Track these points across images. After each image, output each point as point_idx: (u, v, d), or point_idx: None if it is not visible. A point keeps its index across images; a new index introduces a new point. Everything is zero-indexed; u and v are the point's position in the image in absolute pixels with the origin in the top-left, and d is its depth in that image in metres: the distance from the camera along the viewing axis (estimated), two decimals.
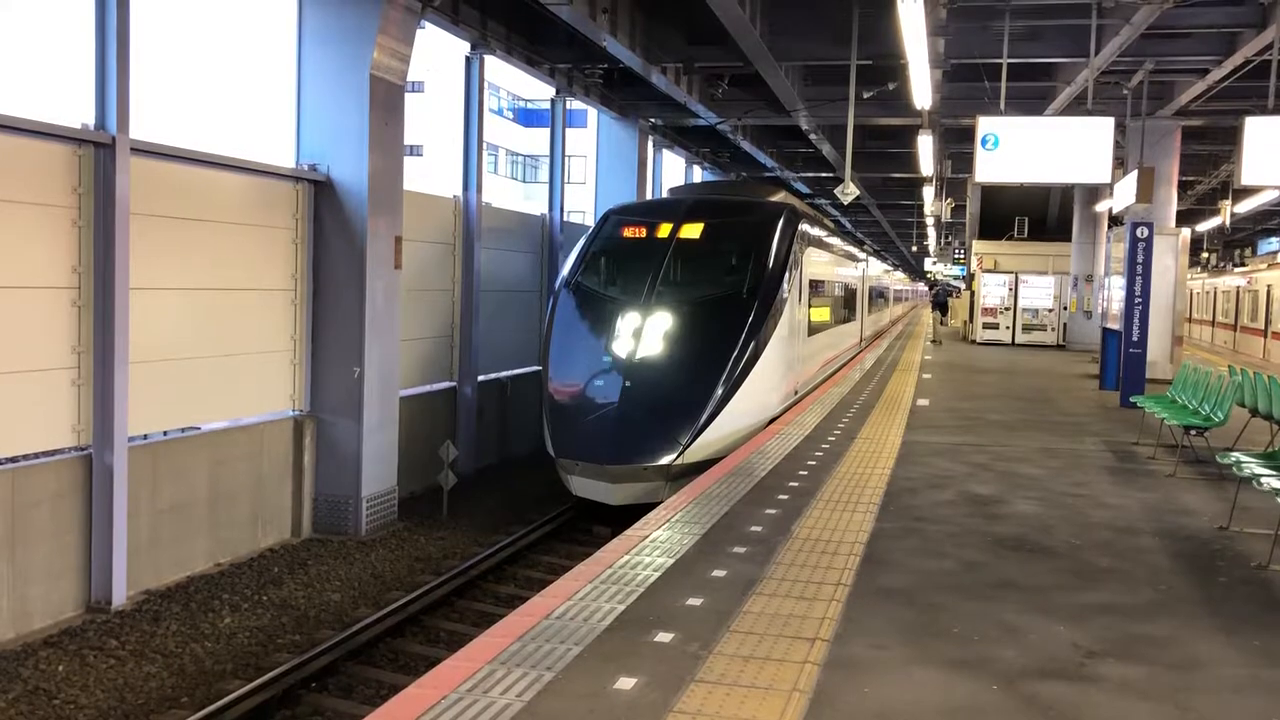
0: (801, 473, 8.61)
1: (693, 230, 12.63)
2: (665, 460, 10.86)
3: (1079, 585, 5.78)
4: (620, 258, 12.82)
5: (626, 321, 11.69)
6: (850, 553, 6.19)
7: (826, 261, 17.33)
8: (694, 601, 5.16)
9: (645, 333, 11.51)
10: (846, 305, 21.36)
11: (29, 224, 8.26)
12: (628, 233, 12.98)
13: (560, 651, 4.43)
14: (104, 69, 8.73)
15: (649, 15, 15.87)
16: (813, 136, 22.78)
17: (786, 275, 12.68)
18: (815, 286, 15.51)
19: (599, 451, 10.94)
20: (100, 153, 8.72)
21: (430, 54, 37.68)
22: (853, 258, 23.25)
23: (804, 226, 14.33)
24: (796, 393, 13.93)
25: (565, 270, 13.11)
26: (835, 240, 19.90)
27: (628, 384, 11.19)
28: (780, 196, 14.56)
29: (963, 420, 12.51)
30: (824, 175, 30.52)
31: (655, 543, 6.23)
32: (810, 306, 14.89)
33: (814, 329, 15.51)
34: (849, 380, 16.78)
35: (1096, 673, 4.49)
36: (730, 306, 11.95)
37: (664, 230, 12.69)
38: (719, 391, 11.23)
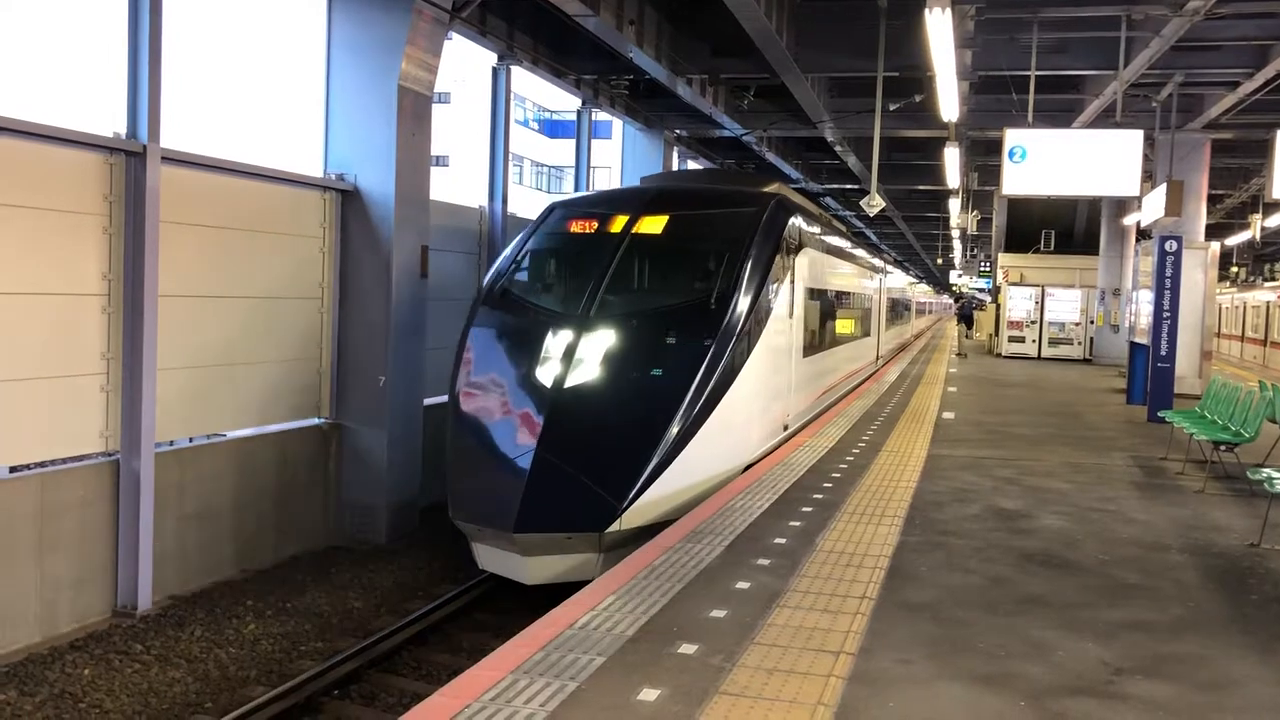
0: (826, 485, 8.57)
1: (653, 224, 10.11)
2: (600, 526, 8.21)
3: (1107, 601, 5.72)
4: (558, 259, 10.49)
5: (555, 341, 9.16)
6: (875, 566, 6.15)
7: (830, 266, 14.76)
8: (718, 613, 5.14)
9: (578, 355, 8.99)
10: (858, 319, 18.77)
11: (61, 231, 8.35)
12: (574, 228, 10.43)
13: (584, 661, 4.42)
14: (136, 78, 8.82)
15: (675, 26, 15.90)
16: (838, 148, 22.75)
17: (772, 281, 10.20)
18: (815, 296, 13.15)
19: (505, 514, 8.18)
20: (131, 161, 8.81)
21: (458, 65, 37.89)
22: (866, 264, 20.57)
23: (798, 223, 11.73)
24: (788, 427, 11.44)
25: (489, 277, 10.60)
26: (842, 243, 16.91)
27: (549, 424, 8.56)
28: (773, 188, 11.96)
29: (988, 434, 12.43)
30: (849, 187, 30.47)
31: (678, 554, 6.21)
32: (807, 320, 12.40)
33: (813, 347, 12.99)
34: (873, 393, 16.70)
35: (1125, 690, 4.43)
36: (693, 320, 9.36)
37: (617, 225, 10.15)
38: (673, 431, 8.64)
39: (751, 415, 9.86)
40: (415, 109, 11.71)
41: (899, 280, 32.17)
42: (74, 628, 8.49)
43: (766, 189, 11.78)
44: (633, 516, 8.29)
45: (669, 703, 4.05)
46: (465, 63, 36.90)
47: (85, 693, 7.39)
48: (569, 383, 8.86)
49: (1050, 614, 5.44)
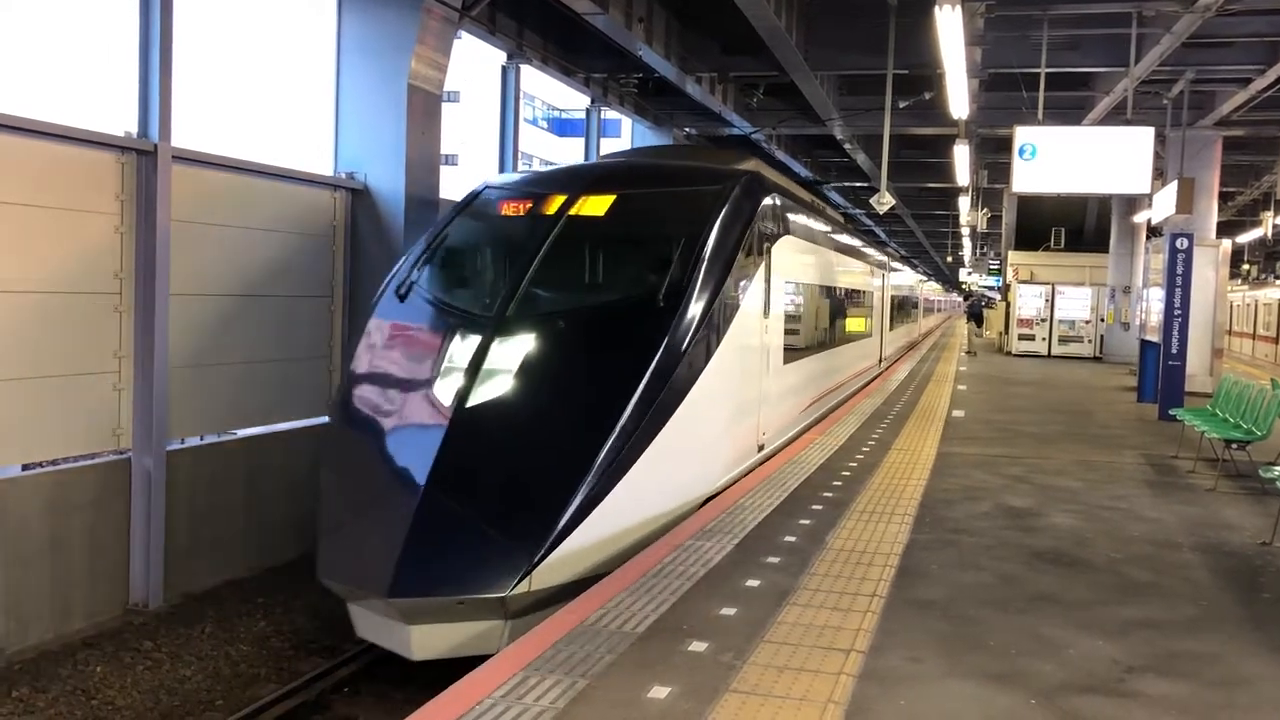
0: (835, 483, 8.56)
1: (595, 206, 8.46)
2: (499, 589, 6.26)
3: (1118, 600, 5.70)
4: (478, 248, 8.92)
5: (460, 348, 7.46)
6: (885, 564, 6.15)
7: (819, 258, 12.98)
8: (728, 611, 5.14)
9: (487, 366, 7.27)
10: (856, 318, 16.97)
11: (74, 230, 8.39)
12: (504, 210, 8.84)
13: (594, 659, 4.43)
14: (147, 78, 8.86)
15: (684, 24, 15.90)
16: (848, 146, 22.74)
17: (741, 274, 8.60)
18: (799, 292, 11.43)
19: (379, 572, 6.36)
20: (143, 160, 8.85)
21: (467, 64, 37.93)
22: (865, 258, 18.79)
23: (775, 205, 9.98)
24: (763, 447, 9.66)
25: (394, 271, 8.93)
26: (835, 232, 15.03)
27: (443, 455, 6.76)
28: (749, 164, 10.29)
29: (999, 432, 12.40)
30: (859, 185, 30.44)
31: (687, 551, 6.21)
32: (788, 320, 10.70)
33: (796, 351, 11.27)
34: (883, 391, 16.67)
35: (1137, 688, 4.42)
36: (637, 320, 7.69)
37: (552, 207, 8.52)
38: (605, 460, 6.80)
39: (711, 436, 8.16)
40: (425, 108, 11.73)
41: (906, 277, 31.07)
42: (86, 625, 8.52)
43: (739, 165, 10.01)
44: (548, 573, 6.38)
45: (679, 700, 4.05)
46: (475, 61, 36.96)
47: (98, 689, 7.43)
48: (471, 402, 7.07)
49: (1061, 612, 5.43)
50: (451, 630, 6.50)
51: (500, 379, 7.24)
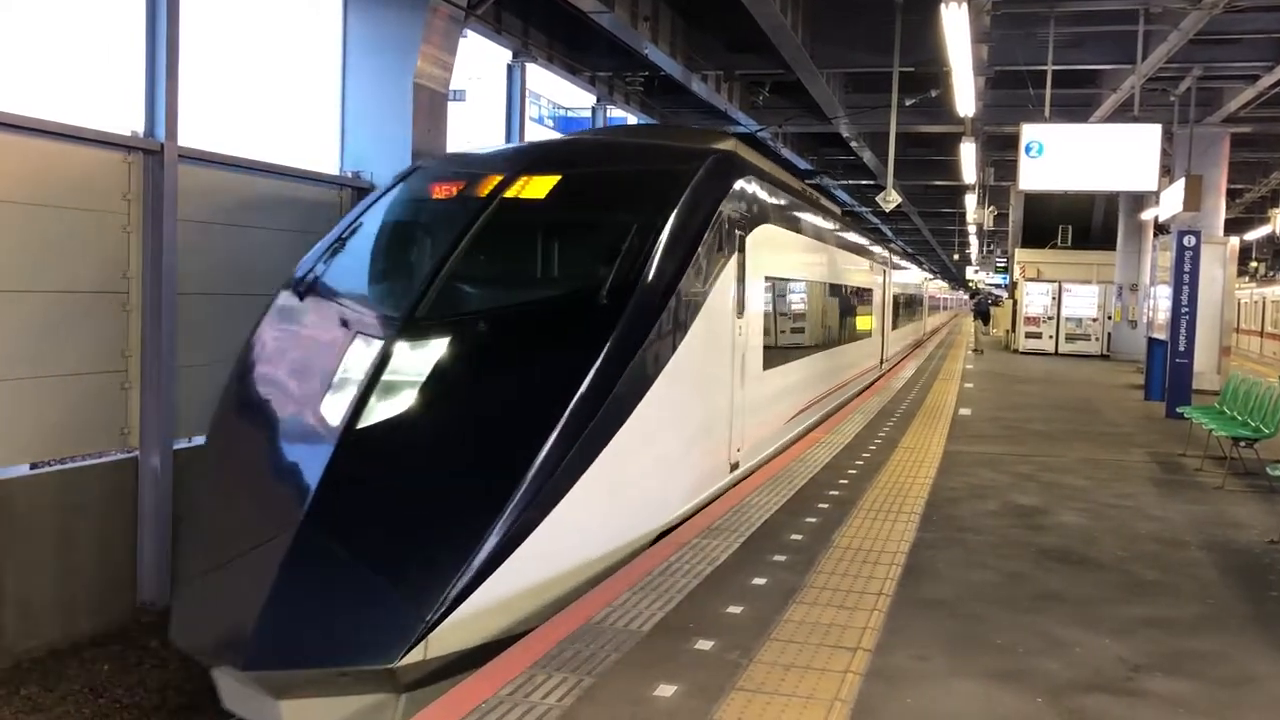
0: (842, 481, 8.56)
1: (535, 188, 7.27)
2: (384, 657, 4.96)
3: (1125, 598, 5.69)
4: (396, 237, 7.78)
5: (357, 358, 6.20)
6: (892, 562, 6.14)
7: (807, 250, 11.77)
8: (734, 609, 5.14)
9: (388, 378, 6.01)
10: (854, 316, 15.75)
11: (82, 230, 8.40)
12: (435, 193, 7.64)
13: (600, 657, 4.43)
14: (154, 77, 8.87)
15: (690, 22, 15.90)
16: (854, 144, 22.74)
17: (707, 267, 7.41)
18: (784, 289, 10.35)
19: (238, 638, 5.05)
20: (149, 159, 8.86)
21: (473, 62, 37.97)
22: (864, 252, 17.48)
23: (753, 190, 8.92)
24: (738, 465, 8.41)
25: (302, 263, 7.73)
26: (827, 223, 13.75)
27: (324, 488, 5.50)
28: (727, 144, 9.16)
29: (1006, 430, 12.38)
30: (865, 183, 30.43)
31: (693, 550, 6.21)
32: (769, 320, 9.59)
33: (779, 354, 10.07)
34: (889, 389, 16.65)
35: (1144, 687, 4.41)
36: (574, 322, 6.48)
37: (485, 189, 7.33)
38: (522, 495, 5.48)
39: (666, 458, 6.91)
40: (431, 106, 11.73)
41: (910, 274, 30.32)
42: (94, 624, 8.54)
43: (712, 144, 8.85)
44: (450, 636, 5.04)
45: (685, 698, 4.05)
46: (481, 60, 37.00)
47: (105, 688, 7.45)
48: (364, 422, 5.81)
49: (1068, 610, 5.42)
50: (331, 706, 5.22)
51: (401, 394, 5.95)
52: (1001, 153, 24.90)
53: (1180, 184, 16.72)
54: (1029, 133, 13.61)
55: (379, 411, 5.88)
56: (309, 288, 7.19)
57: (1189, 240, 13.90)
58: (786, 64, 15.54)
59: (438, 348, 6.24)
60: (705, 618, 5.00)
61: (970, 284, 69.86)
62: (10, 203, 7.81)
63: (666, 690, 4.11)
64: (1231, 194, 25.95)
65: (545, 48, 15.78)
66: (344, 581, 5.19)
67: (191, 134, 9.21)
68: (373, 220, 7.81)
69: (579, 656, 4.43)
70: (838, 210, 17.69)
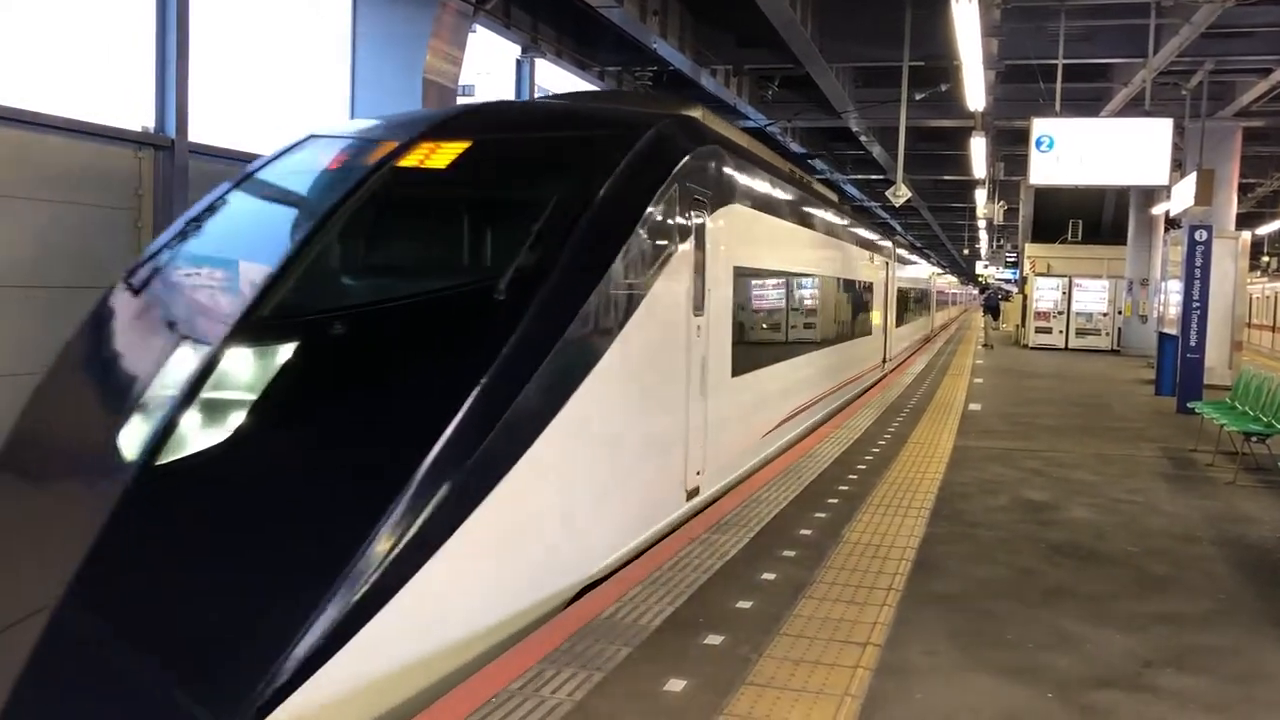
0: (851, 477, 8.55)
1: (437, 156, 5.91)
2: None
3: (1135, 593, 5.68)
4: (263, 216, 6.31)
5: (175, 371, 4.92)
6: (901, 558, 6.14)
7: (791, 238, 10.42)
8: (744, 604, 5.14)
9: (205, 402, 4.72)
10: (850, 313, 14.37)
11: (95, 226, 8.42)
12: (322, 163, 6.23)
13: (610, 652, 4.43)
14: (164, 73, 8.90)
15: (698, 17, 15.89)
16: (863, 139, 22.70)
17: (650, 252, 6.04)
18: (762, 281, 9.13)
19: None
20: (160, 155, 8.88)
21: (482, 57, 37.98)
22: (864, 242, 15.99)
23: (714, 164, 7.45)
24: (698, 491, 7.06)
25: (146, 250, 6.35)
26: (817, 208, 12.15)
27: (101, 550, 4.19)
28: (698, 113, 8.13)
29: (1016, 425, 12.36)
30: (875, 177, 30.40)
31: (703, 545, 6.21)
32: (744, 317, 8.38)
33: (757, 358, 8.88)
34: (899, 385, 16.63)
35: (1155, 682, 4.40)
36: (458, 325, 5.05)
37: (378, 157, 5.97)
38: (385, 541, 4.15)
39: (590, 491, 5.51)
40: (440, 101, 11.74)
41: (917, 267, 29.13)
42: None
43: (669, 111, 7.59)
44: None
45: (696, 693, 4.05)
46: (489, 55, 37.01)
47: None
48: (166, 458, 4.48)
49: (1078, 606, 5.41)
50: None
51: (221, 420, 4.60)
52: (1012, 147, 24.86)
53: (1192, 178, 16.66)
54: (1039, 127, 13.59)
55: (187, 443, 4.53)
56: (145, 280, 5.80)
57: (1200, 235, 13.84)
58: (796, 58, 15.51)
59: (277, 358, 4.89)
60: (715, 612, 5.00)
61: (980, 279, 69.71)
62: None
63: (677, 685, 4.12)
64: (1243, 188, 25.84)
65: (554, 42, 15.77)
66: (113, 677, 3.81)
67: (196, 131, 9.23)
68: (240, 196, 6.38)
69: (589, 651, 4.43)
70: (833, 196, 16.26)
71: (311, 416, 4.74)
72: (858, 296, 15.13)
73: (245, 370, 4.87)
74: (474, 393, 4.63)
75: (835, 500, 7.62)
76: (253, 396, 4.71)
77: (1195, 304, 13.83)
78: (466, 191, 5.97)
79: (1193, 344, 13.85)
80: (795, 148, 24.28)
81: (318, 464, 4.54)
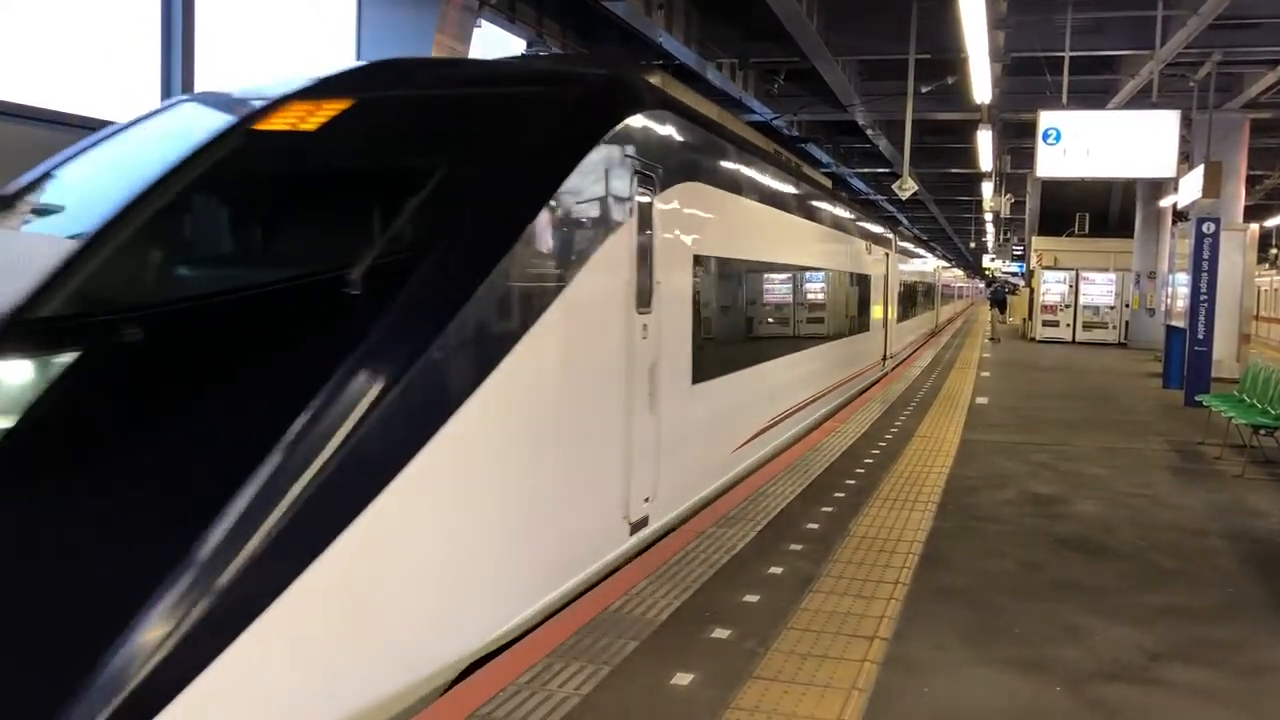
0: (858, 470, 8.54)
1: (310, 118, 4.88)
2: None
3: (1143, 587, 5.66)
4: (88, 190, 5.08)
5: None
6: (909, 551, 6.13)
7: (765, 223, 9.22)
8: (751, 598, 5.14)
9: None
10: (844, 308, 13.40)
11: None
12: (177, 127, 5.30)
13: (617, 646, 4.43)
14: (169, 68, 8.91)
15: (704, 11, 15.85)
16: (870, 132, 22.64)
17: (567, 235, 4.95)
18: (728, 273, 7.93)
19: None
20: None
21: (486, 51, 37.99)
22: (858, 231, 14.83)
23: (666, 133, 6.35)
24: (646, 522, 6.06)
25: None
26: (797, 189, 10.71)
27: None
28: (657, 79, 7.08)
29: (1023, 419, 12.33)
30: (881, 171, 30.33)
31: (710, 539, 6.21)
32: (707, 313, 7.31)
33: (722, 362, 7.67)
34: (906, 378, 16.61)
35: (1163, 676, 4.40)
36: (299, 325, 3.92)
37: (238, 119, 5.00)
38: (189, 608, 3.00)
39: (478, 538, 4.35)
40: None
41: (921, 259, 27.76)
42: None
43: (655, 81, 6.87)
44: None
45: (703, 687, 4.05)
46: (494, 49, 37.06)
47: None
48: None
49: (1086, 599, 5.39)
50: None
51: None
52: (1018, 140, 24.76)
53: (1199, 170, 16.61)
54: (1046, 119, 13.55)
55: None
56: None
57: (1208, 227, 13.79)
58: (802, 52, 15.46)
59: (52, 370, 3.83)
60: (722, 606, 5.00)
61: (987, 272, 69.57)
62: None
63: (684, 679, 4.12)
64: (1251, 180, 25.72)
65: (559, 37, 15.74)
66: None
67: None
68: (72, 166, 5.30)
69: (596, 645, 4.43)
70: (825, 180, 15.28)
71: (85, 447, 3.52)
72: (853, 290, 14.09)
73: (18, 383, 3.84)
74: (304, 415, 3.47)
75: (842, 494, 7.61)
76: (10, 422, 3.58)
77: (1203, 297, 13.78)
78: (331, 160, 4.85)
79: (1200, 337, 13.81)
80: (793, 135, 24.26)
81: (72, 530, 3.27)
